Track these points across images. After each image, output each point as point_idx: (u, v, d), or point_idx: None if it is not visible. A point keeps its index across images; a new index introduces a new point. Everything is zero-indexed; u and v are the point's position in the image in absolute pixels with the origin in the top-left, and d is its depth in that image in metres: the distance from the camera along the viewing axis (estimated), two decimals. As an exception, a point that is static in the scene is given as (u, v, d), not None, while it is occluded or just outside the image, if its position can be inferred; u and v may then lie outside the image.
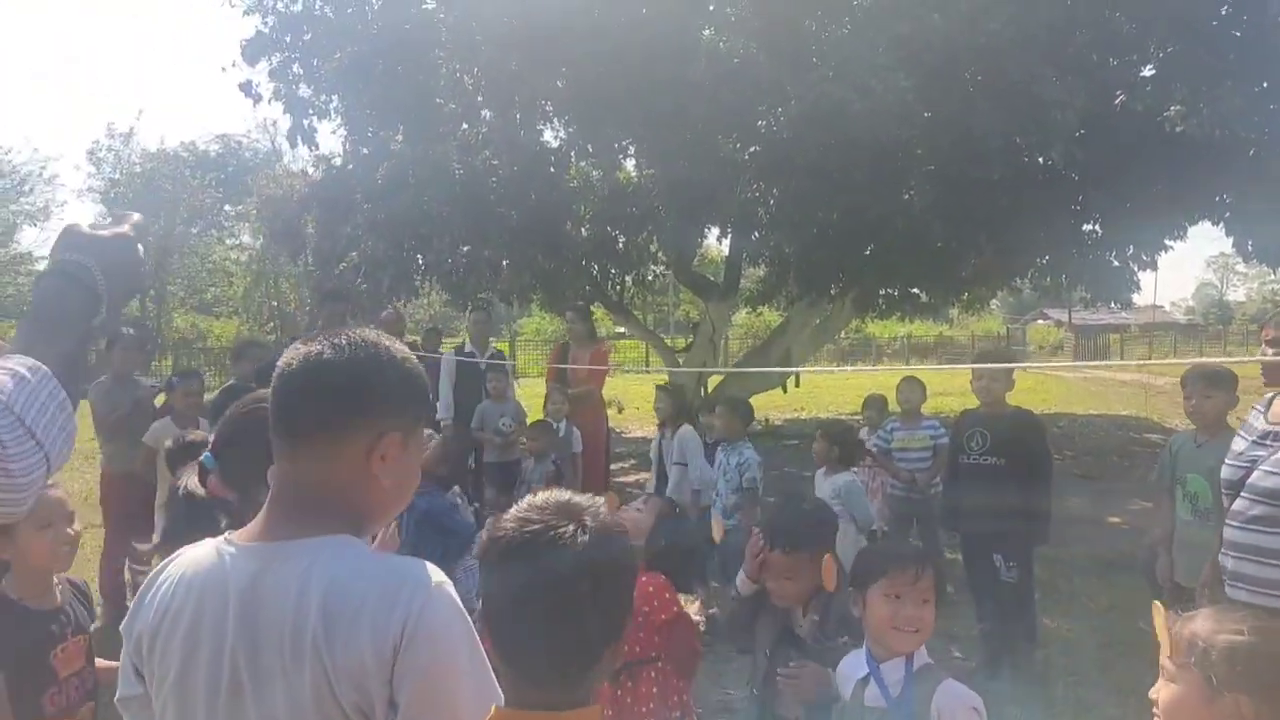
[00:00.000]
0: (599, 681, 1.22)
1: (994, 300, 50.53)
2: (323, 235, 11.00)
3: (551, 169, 11.49)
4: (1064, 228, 10.84)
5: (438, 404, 7.24)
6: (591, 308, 17.68)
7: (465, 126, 11.26)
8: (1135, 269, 11.61)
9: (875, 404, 6.68)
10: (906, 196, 8.92)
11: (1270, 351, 3.01)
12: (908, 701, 2.05)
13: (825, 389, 22.00)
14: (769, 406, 16.73)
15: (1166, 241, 11.66)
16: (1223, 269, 55.34)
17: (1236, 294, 56.92)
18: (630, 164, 12.43)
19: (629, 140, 11.32)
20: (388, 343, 1.31)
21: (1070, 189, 10.24)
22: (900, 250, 9.96)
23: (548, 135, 11.97)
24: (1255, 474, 2.95)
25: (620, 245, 13.11)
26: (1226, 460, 3.12)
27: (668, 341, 17.83)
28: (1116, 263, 12.04)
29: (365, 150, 11.65)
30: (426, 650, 1.11)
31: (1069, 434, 14.05)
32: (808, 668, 2.33)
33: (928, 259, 10.27)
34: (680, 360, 14.55)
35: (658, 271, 14.52)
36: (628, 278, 14.21)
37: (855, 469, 5.37)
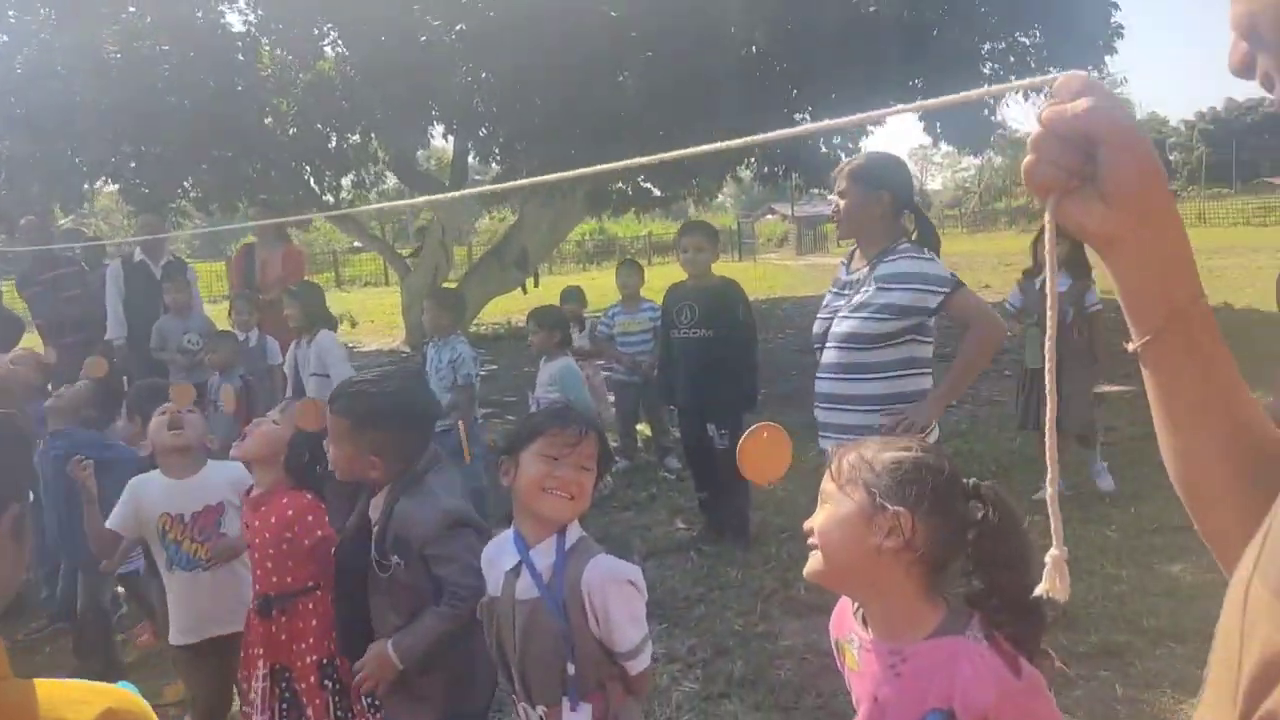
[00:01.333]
0: None
1: (725, 196, 52.68)
2: (-46, 137, 9.18)
3: (240, 56, 10.24)
4: (778, 118, 11.21)
5: (107, 321, 6.29)
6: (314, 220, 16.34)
7: (131, 10, 9.70)
8: (843, 156, 12.32)
9: (573, 295, 6.59)
10: (621, 79, 8.70)
11: (840, 203, 3.05)
12: (559, 587, 1.79)
13: (564, 285, 21.94)
14: (510, 309, 16.42)
15: (868, 128, 12.43)
16: (922, 160, 60.85)
17: (934, 183, 62.98)
18: (329, 49, 11.26)
19: (328, 24, 10.29)
20: None
21: (781, 80, 10.52)
22: (620, 140, 9.80)
23: (232, 18, 10.63)
24: (834, 322, 3.02)
25: (332, 145, 12.04)
26: (817, 315, 3.18)
27: (404, 251, 16.91)
28: (825, 149, 12.72)
29: (5, 37, 9.80)
30: None
31: (790, 315, 14.87)
32: None
33: (645, 148, 10.19)
34: (411, 267, 13.84)
35: (376, 172, 13.52)
36: (345, 180, 13.15)
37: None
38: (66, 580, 3.99)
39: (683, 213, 38.45)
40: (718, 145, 1.20)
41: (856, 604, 1.50)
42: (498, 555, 1.91)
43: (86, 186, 9.38)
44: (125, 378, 5.45)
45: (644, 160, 1.30)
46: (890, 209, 2.93)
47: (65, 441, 3.57)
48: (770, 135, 1.13)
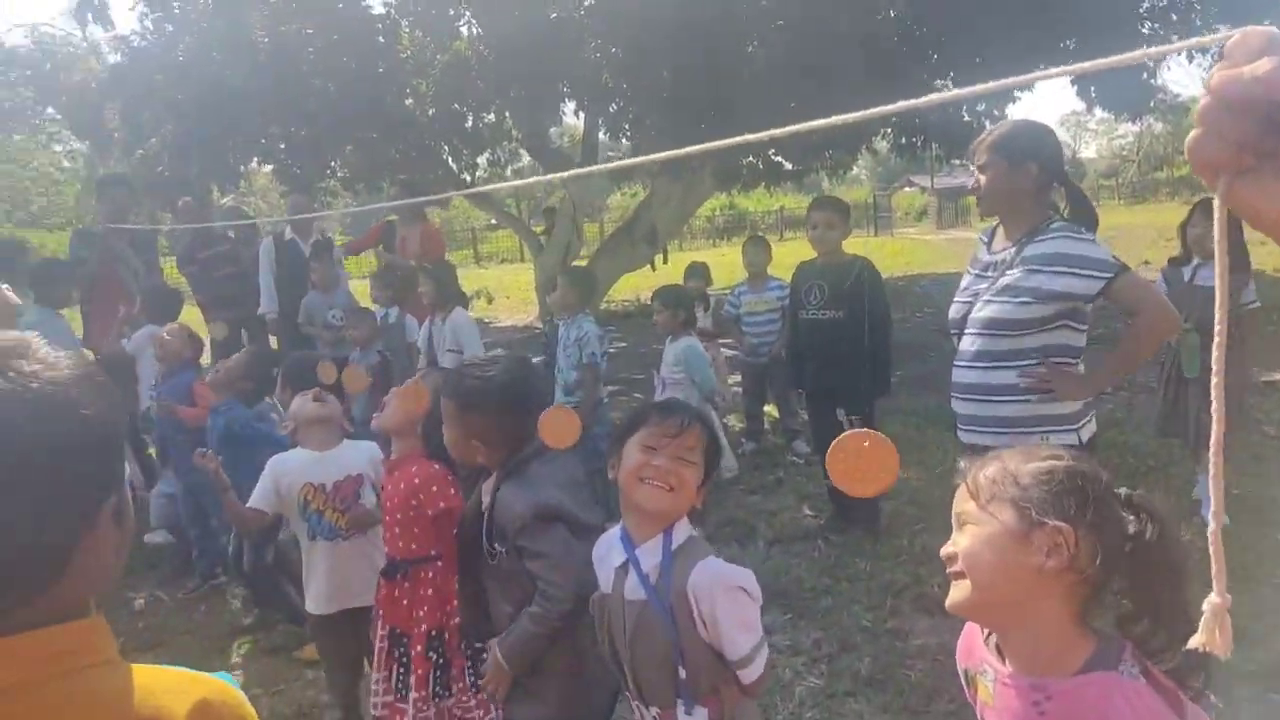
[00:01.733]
0: (91, 571, 0.84)
1: (860, 169, 51.18)
2: (125, 122, 9.85)
3: (380, 39, 10.55)
4: (918, 84, 10.70)
5: (260, 297, 6.62)
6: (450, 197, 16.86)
7: (278, -7, 10.13)
8: (987, 125, 11.67)
9: (697, 272, 6.46)
10: (750, 49, 8.48)
11: (980, 177, 2.79)
12: (666, 590, 1.71)
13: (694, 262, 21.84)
14: (640, 285, 16.47)
15: (1015, 93, 11.74)
16: (1075, 127, 57.22)
17: (1088, 151, 59.25)
18: (466, 30, 11.47)
19: (464, 4, 10.47)
20: None
21: (922, 44, 10.04)
22: (750, 112, 9.57)
23: (372, 0, 10.95)
24: (975, 307, 2.78)
25: (469, 124, 12.30)
26: (954, 298, 2.94)
27: (537, 229, 17.20)
28: (967, 117, 12.09)
29: (170, 27, 10.42)
30: None
31: (929, 293, 14.31)
32: None
33: (780, 121, 9.93)
34: (544, 244, 14.03)
35: (511, 150, 13.74)
36: (481, 159, 13.44)
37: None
38: (235, 541, 4.22)
39: (816, 186, 37.61)
40: (847, 118, 1.06)
41: (988, 632, 1.36)
42: (607, 551, 1.86)
43: (240, 167, 9.87)
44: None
45: (759, 136, 1.19)
46: (1037, 182, 2.69)
47: (225, 415, 3.77)
48: (901, 105, 0.99)
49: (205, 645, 3.89)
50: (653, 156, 1.13)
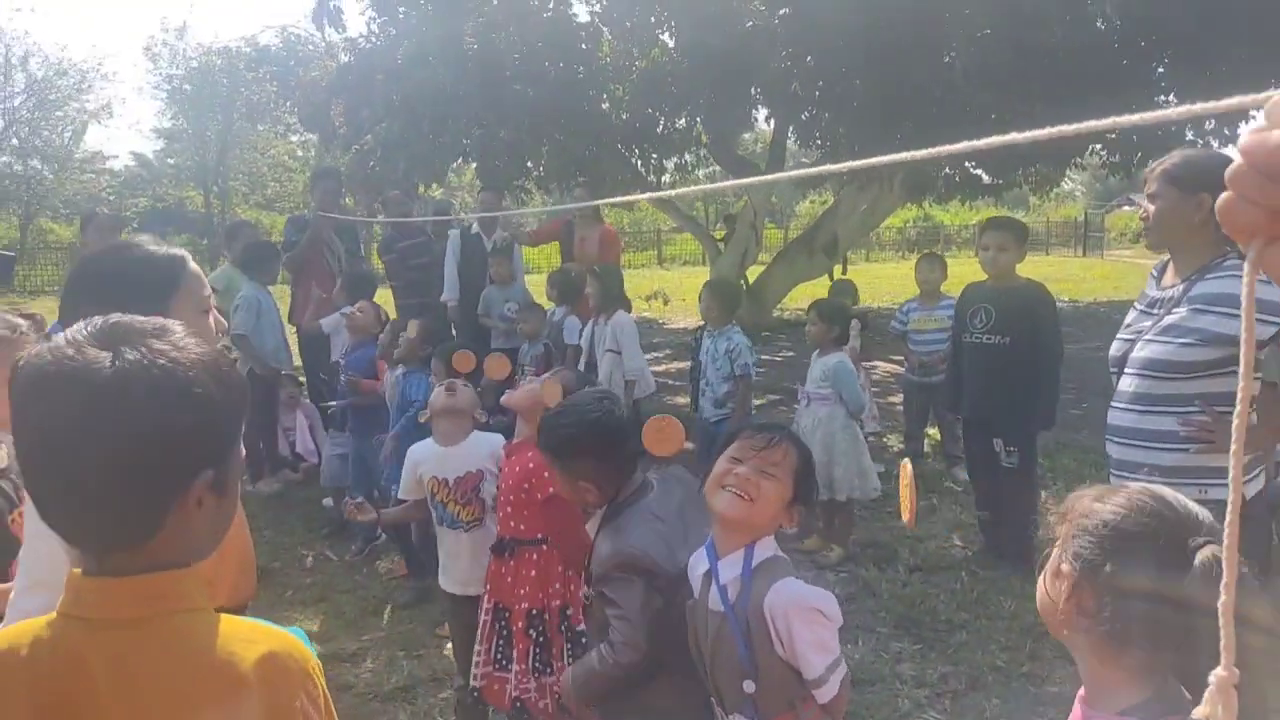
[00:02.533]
0: (188, 532, 0.97)
1: (1074, 184, 47.82)
2: (347, 118, 10.75)
3: (583, 45, 10.97)
4: (1135, 99, 9.97)
5: (444, 284, 7.06)
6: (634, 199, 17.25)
7: (494, 2, 10.75)
8: (1215, 145, 10.72)
9: (845, 289, 6.25)
10: (947, 60, 8.20)
11: (1150, 208, 2.57)
12: (744, 605, 1.75)
13: (876, 276, 21.28)
14: (816, 295, 16.26)
15: (1252, 112, 10.67)
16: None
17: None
18: (667, 38, 11.73)
19: (665, 12, 10.70)
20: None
21: (1143, 56, 9.37)
22: (943, 123, 9.25)
23: (578, 9, 11.40)
24: (1137, 345, 2.60)
25: (660, 128, 12.57)
26: (1117, 334, 2.77)
27: (717, 234, 17.32)
28: (1192, 135, 11.16)
29: (393, 31, 11.28)
30: None
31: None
32: None
33: (974, 133, 9.52)
34: (721, 249, 14.10)
35: (700, 155, 13.89)
36: (669, 163, 13.68)
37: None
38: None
39: (1020, 201, 35.59)
40: (1025, 136, 0.94)
41: None
42: (698, 560, 1.91)
43: (445, 166, 10.54)
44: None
45: (943, 150, 1.06)
46: (1211, 216, 2.50)
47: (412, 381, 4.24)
48: (1099, 124, 0.84)
49: (362, 605, 4.24)
50: (832, 167, 1.15)
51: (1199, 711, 0.68)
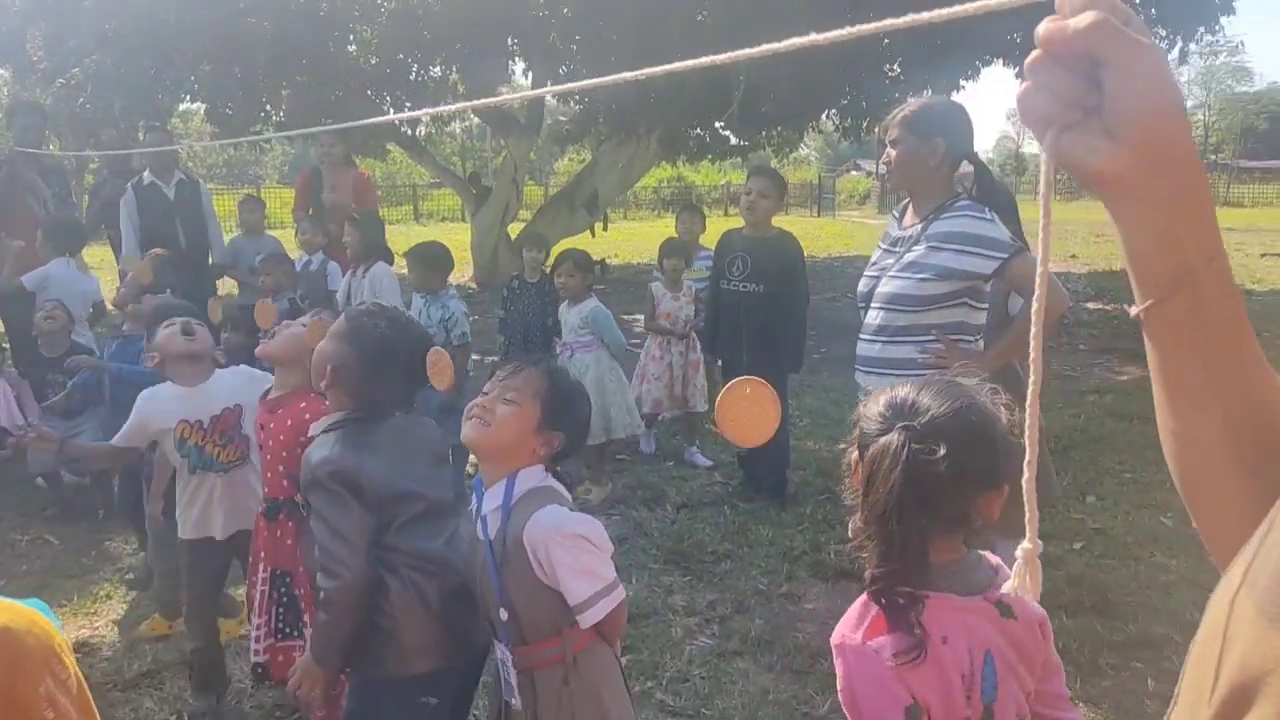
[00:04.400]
0: None
1: (809, 150, 51.25)
2: (48, 49, 9.43)
3: (326, -20, 10.26)
4: (865, 68, 10.78)
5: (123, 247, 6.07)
6: (389, 148, 16.51)
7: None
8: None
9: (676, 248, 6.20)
10: (700, 18, 8.46)
11: (892, 153, 2.85)
12: (502, 535, 1.73)
13: (637, 234, 21.84)
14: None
15: (961, 81, 11.91)
16: (1020, 122, 58.24)
17: (1031, 147, 60.22)
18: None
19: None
20: None
21: (865, 11, 10.09)
22: (698, 83, 9.55)
23: (319, -60, 10.62)
24: (881, 281, 2.85)
25: (413, 76, 12.05)
26: (864, 272, 3.00)
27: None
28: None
29: (101, -48, 9.99)
30: None
31: (861, 274, 14.50)
32: None
33: (726, 94, 9.94)
34: (482, 204, 13.84)
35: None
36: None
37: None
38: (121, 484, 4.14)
39: (763, 164, 37.66)
40: (801, 41, 0.92)
41: None
42: (472, 497, 1.88)
43: (169, 105, 9.53)
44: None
45: (706, 61, 1.04)
46: (946, 160, 2.74)
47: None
48: (862, 28, 0.84)
49: (91, 591, 3.80)
50: (575, 85, 1.08)
51: (1009, 585, 0.72)
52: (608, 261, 7.81)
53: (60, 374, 4.47)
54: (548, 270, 5.27)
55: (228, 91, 9.29)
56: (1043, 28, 0.62)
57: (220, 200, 12.08)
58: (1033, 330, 0.68)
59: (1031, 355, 0.69)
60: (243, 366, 2.91)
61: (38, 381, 4.62)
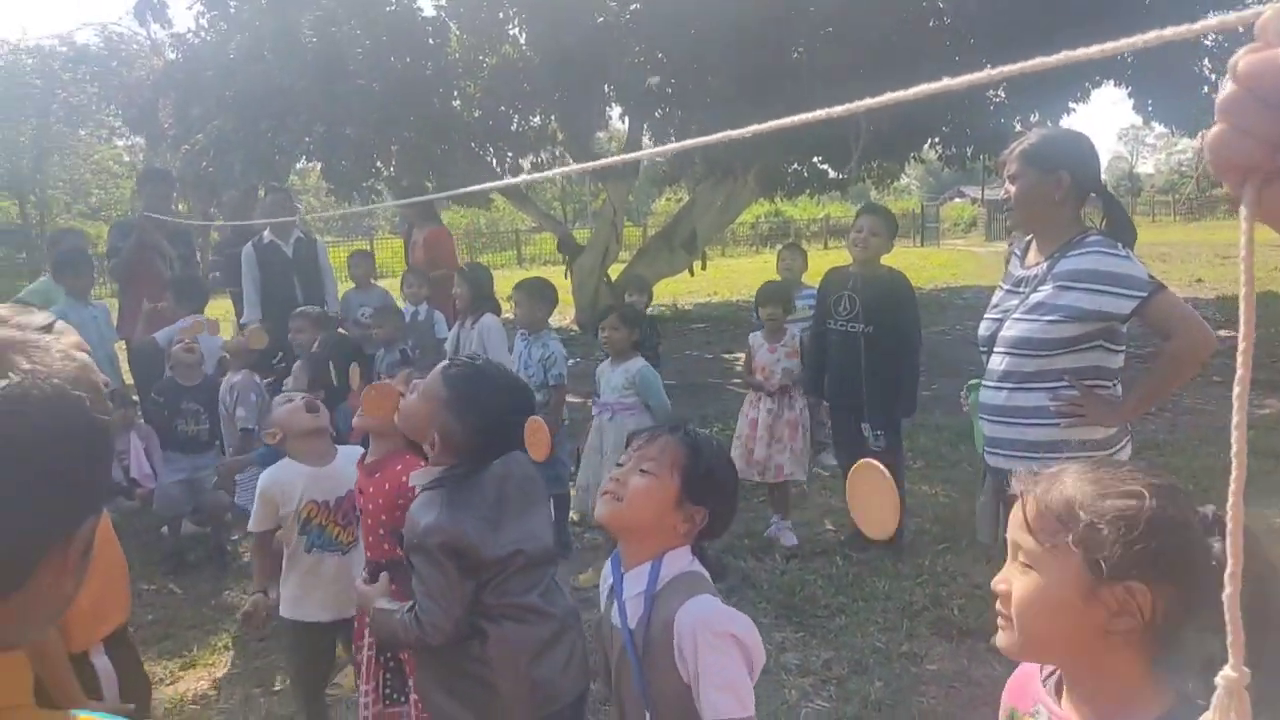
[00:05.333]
0: (41, 600, 0.77)
1: (910, 179, 50.33)
2: (176, 118, 10.04)
3: (430, 40, 10.64)
4: (967, 94, 10.49)
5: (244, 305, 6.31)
6: (492, 197, 16.89)
7: (332, -4, 10.26)
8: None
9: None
10: (795, 56, 8.39)
11: (1011, 189, 2.63)
12: (643, 624, 1.57)
13: (736, 271, 21.73)
14: (678, 291, 16.42)
15: (1070, 104, 11.50)
16: (1133, 141, 55.97)
17: (1145, 166, 57.88)
18: (517, 33, 11.51)
19: (514, 8, 10.51)
20: None
21: (970, 51, 9.87)
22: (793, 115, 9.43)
23: (423, 2, 11.08)
24: (1005, 324, 2.66)
25: (514, 126, 12.35)
26: (985, 314, 2.81)
27: (578, 234, 17.22)
28: (1019, 128, 11.85)
29: (224, 25, 10.62)
30: None
31: (972, 304, 14.04)
32: None
33: (819, 127, 9.79)
34: (575, 258, 13.99)
35: (556, 154, 13.76)
36: (524, 162, 13.46)
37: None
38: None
39: (862, 195, 37.12)
40: (886, 99, 0.88)
41: (1050, 670, 1.21)
42: (607, 571, 1.77)
43: (286, 165, 10.01)
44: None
45: (800, 120, 1.00)
46: (1071, 193, 2.56)
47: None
48: (938, 85, 0.82)
49: (211, 641, 3.89)
50: (685, 144, 1.04)
51: (1207, 717, 0.60)
52: (711, 299, 7.72)
53: (194, 402, 4.65)
54: (649, 313, 5.21)
55: (340, 150, 9.69)
56: (1244, 61, 0.51)
57: (335, 253, 12.60)
58: (1234, 419, 0.57)
59: (1234, 446, 0.57)
60: (357, 448, 2.86)
61: (171, 408, 4.75)
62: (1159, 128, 15.07)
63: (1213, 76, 9.53)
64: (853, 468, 1.38)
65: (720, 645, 1.51)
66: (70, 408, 0.73)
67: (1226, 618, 0.59)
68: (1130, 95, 10.63)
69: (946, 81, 0.81)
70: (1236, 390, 0.56)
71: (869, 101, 0.91)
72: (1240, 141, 0.52)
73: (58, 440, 0.72)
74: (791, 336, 4.86)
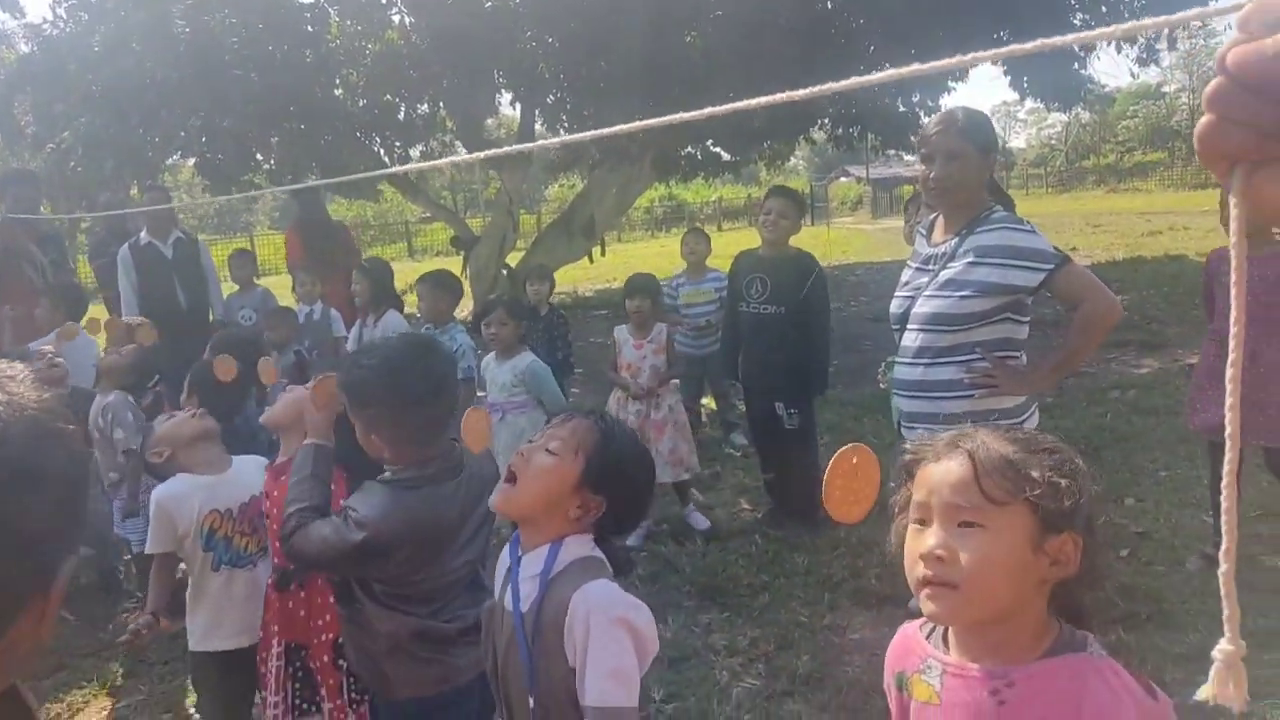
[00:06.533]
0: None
1: (798, 159, 51.37)
2: (36, 115, 9.38)
3: (309, 28, 10.23)
4: (853, 76, 10.74)
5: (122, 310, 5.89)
6: (380, 188, 16.42)
7: (204, -17, 9.74)
8: (921, 114, 11.83)
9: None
10: (688, 39, 8.41)
11: (945, 169, 2.64)
12: (534, 608, 1.51)
13: (634, 256, 21.78)
14: (578, 278, 16.35)
15: (950, 83, 11.95)
16: (1005, 117, 58.48)
17: (1018, 141, 60.52)
18: (400, 19, 11.19)
19: (392, -11, 10.22)
20: None
21: (858, 38, 10.10)
22: (686, 101, 9.47)
23: (299, -12, 10.62)
24: (918, 301, 2.74)
25: (401, 115, 12.02)
26: (895, 293, 2.89)
27: (473, 222, 16.90)
28: (903, 108, 12.23)
29: (85, 15, 9.96)
30: None
31: (864, 282, 14.44)
32: None
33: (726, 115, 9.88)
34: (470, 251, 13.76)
35: (446, 142, 13.47)
36: (414, 151, 13.14)
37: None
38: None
39: (753, 177, 37.70)
40: (791, 95, 0.96)
41: (931, 627, 1.26)
42: (501, 557, 1.68)
43: (160, 162, 9.49)
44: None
45: (698, 114, 1.05)
46: (988, 171, 2.66)
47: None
48: (841, 84, 0.91)
49: (111, 669, 3.68)
50: (583, 135, 1.03)
51: (1205, 691, 0.61)
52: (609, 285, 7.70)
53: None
54: (553, 302, 5.16)
55: (217, 144, 9.24)
56: (1232, 53, 0.52)
57: (214, 249, 12.07)
58: (1228, 401, 0.57)
59: (1229, 429, 0.58)
60: (258, 458, 2.70)
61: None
62: (1031, 104, 15.78)
63: (1083, 54, 10.02)
64: (840, 450, 1.35)
65: (613, 631, 1.43)
66: (52, 443, 0.67)
67: (1222, 594, 0.60)
68: (1006, 73, 11.09)
69: (891, 71, 0.86)
70: (1230, 373, 0.57)
71: (763, 100, 0.95)
72: (1230, 130, 0.53)
73: (39, 482, 0.66)
74: (659, 332, 4.59)
